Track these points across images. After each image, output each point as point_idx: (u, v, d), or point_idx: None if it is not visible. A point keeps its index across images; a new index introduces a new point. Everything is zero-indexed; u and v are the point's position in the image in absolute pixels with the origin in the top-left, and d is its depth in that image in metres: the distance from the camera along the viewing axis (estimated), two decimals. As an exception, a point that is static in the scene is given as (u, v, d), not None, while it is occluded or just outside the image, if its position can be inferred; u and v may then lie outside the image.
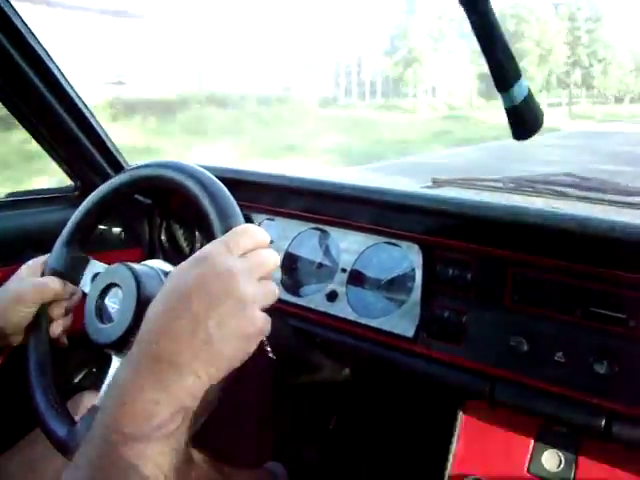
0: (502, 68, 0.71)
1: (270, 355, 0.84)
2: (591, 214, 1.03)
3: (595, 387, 0.98)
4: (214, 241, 0.67)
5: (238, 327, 0.62)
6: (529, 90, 0.72)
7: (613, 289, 0.98)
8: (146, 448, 0.55)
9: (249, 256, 0.66)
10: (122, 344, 0.82)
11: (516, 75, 0.71)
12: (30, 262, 0.98)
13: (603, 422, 0.95)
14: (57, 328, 0.93)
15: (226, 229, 0.71)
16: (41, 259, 0.98)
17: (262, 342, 0.79)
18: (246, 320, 0.63)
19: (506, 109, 0.73)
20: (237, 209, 0.77)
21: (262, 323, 0.64)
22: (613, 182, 1.30)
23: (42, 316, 0.93)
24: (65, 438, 0.81)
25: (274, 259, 0.69)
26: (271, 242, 1.24)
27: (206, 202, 0.79)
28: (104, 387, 0.84)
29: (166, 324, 0.61)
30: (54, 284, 0.93)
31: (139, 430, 0.56)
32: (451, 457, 1.14)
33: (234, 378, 0.68)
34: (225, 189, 0.79)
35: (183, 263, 0.65)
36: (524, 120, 0.74)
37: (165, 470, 0.56)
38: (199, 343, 0.60)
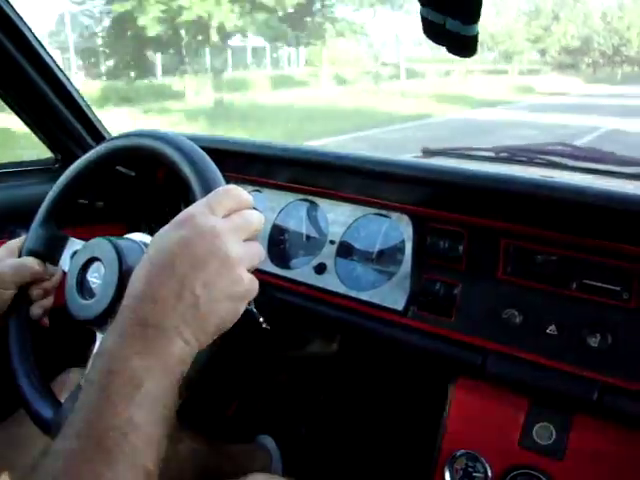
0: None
1: (264, 325, 0.82)
2: (585, 184, 1.01)
3: (588, 360, 0.97)
4: (196, 202, 0.65)
5: (225, 288, 0.60)
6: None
7: (608, 261, 0.96)
8: (135, 416, 0.53)
9: (233, 216, 0.64)
10: (105, 319, 0.80)
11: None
12: (7, 244, 0.96)
13: (596, 395, 0.94)
14: (38, 309, 0.92)
15: (207, 192, 0.69)
16: (18, 240, 0.96)
17: (254, 312, 0.78)
18: (233, 281, 0.61)
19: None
20: (218, 172, 0.75)
21: (249, 284, 0.63)
22: (607, 152, 1.28)
23: (21, 298, 0.91)
24: (51, 420, 0.80)
25: (258, 219, 0.67)
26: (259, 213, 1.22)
27: (186, 168, 0.77)
28: (88, 367, 0.82)
29: (151, 289, 0.59)
30: (32, 264, 0.91)
31: (128, 398, 0.54)
32: (442, 432, 1.13)
33: (223, 343, 0.66)
34: (204, 154, 0.77)
35: (165, 227, 0.63)
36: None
37: (155, 438, 0.55)
38: (186, 306, 0.58)
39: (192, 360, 0.60)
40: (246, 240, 0.64)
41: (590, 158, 1.21)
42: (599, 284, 0.97)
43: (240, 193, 0.66)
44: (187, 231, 0.61)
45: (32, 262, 0.91)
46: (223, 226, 0.62)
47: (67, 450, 0.53)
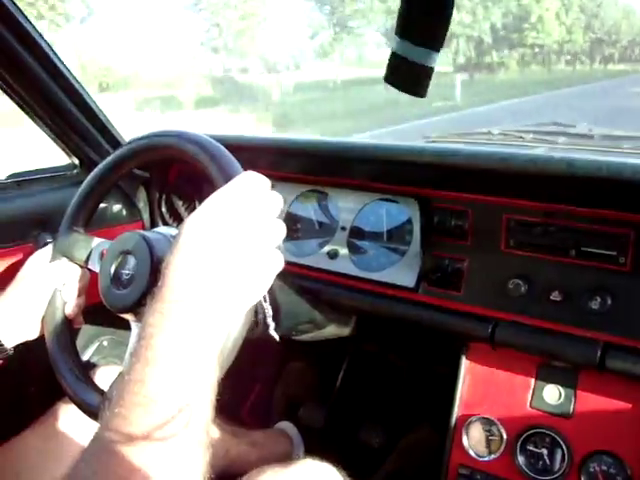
0: (432, 30, 0.71)
1: (272, 332, 0.88)
2: (577, 158, 1.07)
3: (590, 322, 1.03)
4: (218, 190, 0.70)
5: (255, 265, 0.66)
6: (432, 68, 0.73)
7: (603, 228, 1.03)
8: (179, 384, 0.58)
9: (254, 199, 0.69)
10: (140, 308, 0.86)
11: (437, 44, 0.71)
12: (37, 253, 1.02)
13: (599, 353, 1.00)
14: (72, 309, 0.97)
15: (227, 180, 0.73)
16: (47, 248, 1.02)
17: (267, 318, 0.84)
18: (260, 258, 0.66)
19: (397, 55, 0.73)
20: (235, 161, 0.79)
21: (276, 259, 0.68)
22: (598, 129, 1.34)
23: (56, 300, 0.96)
24: (98, 407, 0.84)
25: (278, 199, 0.71)
26: None
27: (205, 160, 0.81)
28: (127, 354, 0.88)
29: (184, 272, 0.63)
30: (62, 267, 0.97)
31: (171, 369, 0.59)
32: (457, 400, 1.19)
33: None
34: (220, 145, 0.82)
35: (191, 216, 0.68)
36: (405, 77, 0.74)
37: (199, 405, 0.59)
38: (219, 285, 0.63)
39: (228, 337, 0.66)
40: (268, 219, 0.69)
41: (582, 135, 1.27)
42: (597, 250, 1.03)
43: (257, 177, 0.71)
44: (214, 218, 0.66)
45: (62, 265, 0.97)
46: (246, 209, 0.67)
47: (116, 418, 0.57)
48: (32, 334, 0.97)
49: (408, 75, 0.74)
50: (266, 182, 0.72)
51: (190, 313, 0.62)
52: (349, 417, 1.69)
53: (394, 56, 0.73)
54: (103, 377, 1.15)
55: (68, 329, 0.96)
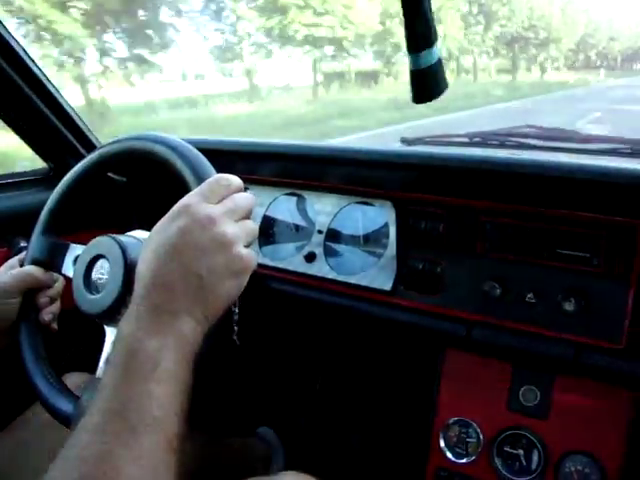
0: (416, 31, 0.73)
1: (235, 338, 0.88)
2: (551, 160, 1.08)
3: (564, 323, 1.04)
4: (190, 193, 0.69)
5: (227, 267, 0.65)
6: (439, 58, 0.75)
7: (576, 229, 1.03)
8: (154, 390, 0.58)
9: (225, 201, 0.69)
10: (114, 312, 0.85)
11: (428, 41, 0.73)
12: (8, 262, 1.00)
13: (572, 354, 1.01)
14: (46, 315, 0.96)
15: (200, 181, 0.74)
16: (18, 257, 1.01)
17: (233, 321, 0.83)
18: (232, 259, 0.66)
19: (411, 71, 0.76)
20: (207, 163, 0.80)
21: (248, 259, 0.68)
22: (572, 131, 1.36)
23: (29, 306, 0.95)
24: (72, 413, 0.84)
25: (250, 200, 0.71)
26: None
27: (178, 162, 0.81)
28: (102, 359, 0.87)
29: (158, 277, 0.63)
30: (34, 273, 0.95)
31: (147, 375, 0.58)
32: (435, 402, 1.19)
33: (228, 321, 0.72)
34: (193, 148, 0.82)
35: (162, 219, 0.67)
36: (425, 85, 0.76)
37: (174, 410, 0.59)
38: (193, 288, 0.63)
39: (203, 336, 0.65)
40: (240, 219, 0.69)
41: (555, 137, 1.28)
42: (570, 252, 1.04)
43: (229, 178, 0.71)
44: (185, 220, 0.65)
45: (34, 270, 0.96)
46: (217, 211, 0.67)
47: (91, 424, 0.57)
48: (4, 340, 0.96)
49: (428, 81, 0.76)
50: (238, 183, 0.71)
51: (162, 318, 0.61)
52: (328, 421, 1.69)
53: (415, 74, 0.75)
54: (78, 383, 1.13)
55: (41, 336, 0.95)
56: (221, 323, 0.70)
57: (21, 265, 0.98)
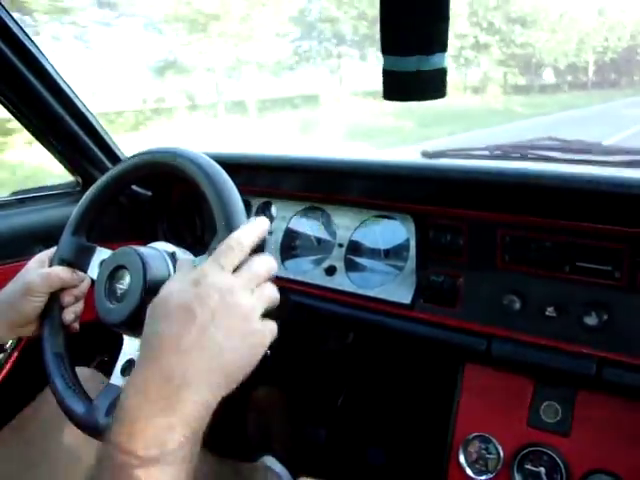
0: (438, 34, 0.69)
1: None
2: (572, 173, 1.07)
3: (585, 338, 1.02)
4: (207, 261, 0.68)
5: (244, 338, 0.64)
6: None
7: (597, 243, 1.02)
8: (161, 473, 0.56)
9: (243, 269, 0.68)
10: (132, 322, 0.87)
11: (444, 46, 0.70)
12: (38, 255, 1.02)
13: (594, 371, 0.99)
14: (69, 315, 0.97)
15: (220, 199, 0.75)
16: (49, 251, 1.02)
17: None
18: (250, 332, 0.65)
19: (420, 71, 0.71)
20: (231, 183, 0.80)
21: (266, 332, 0.67)
22: (594, 143, 1.34)
23: (54, 304, 0.97)
24: (84, 415, 0.85)
25: (267, 264, 0.70)
26: (271, 222, 1.28)
27: (202, 180, 0.83)
28: (117, 366, 0.88)
29: (173, 340, 0.61)
30: (62, 272, 0.97)
31: (152, 455, 0.56)
32: (454, 417, 1.18)
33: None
34: (217, 166, 0.83)
35: (177, 278, 0.67)
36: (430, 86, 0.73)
37: (192, 449, 0.58)
38: (210, 355, 0.61)
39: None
40: (257, 286, 0.67)
41: (577, 149, 1.27)
42: (592, 265, 1.03)
43: (242, 241, 0.69)
44: (202, 289, 0.63)
45: (61, 270, 0.97)
46: (235, 282, 0.65)
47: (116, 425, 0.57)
48: (27, 334, 0.98)
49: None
50: (249, 241, 0.70)
51: (174, 392, 0.59)
52: (348, 437, 1.68)
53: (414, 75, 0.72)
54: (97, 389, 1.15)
55: (64, 334, 0.96)
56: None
57: (50, 265, 0.99)
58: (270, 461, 1.55)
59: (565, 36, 29.76)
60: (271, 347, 0.79)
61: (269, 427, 1.72)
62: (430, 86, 0.73)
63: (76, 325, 1.00)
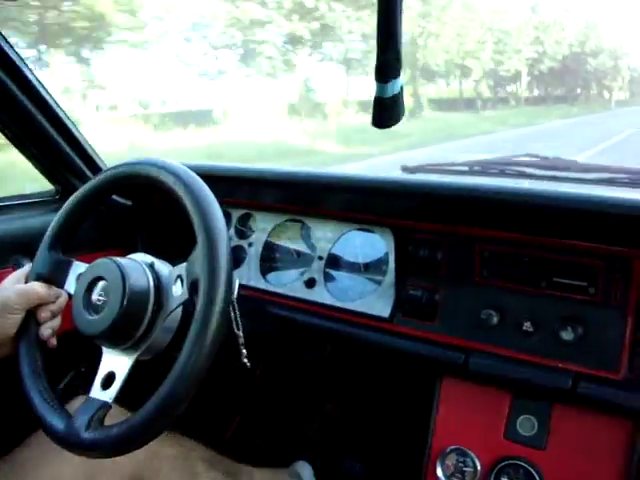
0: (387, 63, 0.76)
1: (245, 360, 0.89)
2: (550, 190, 1.09)
3: (561, 352, 1.04)
4: None
5: None
6: (401, 89, 0.78)
7: (573, 259, 1.04)
8: None
9: None
10: (112, 333, 0.87)
11: (397, 72, 0.76)
12: (14, 273, 1.02)
13: (570, 384, 1.01)
14: (46, 330, 0.97)
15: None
16: (25, 268, 1.02)
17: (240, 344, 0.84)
18: None
19: (375, 98, 0.78)
20: (209, 192, 0.84)
21: None
22: (571, 160, 1.37)
23: (30, 321, 0.97)
24: (63, 431, 0.85)
25: None
26: (251, 234, 1.29)
27: (181, 191, 0.84)
28: (97, 380, 0.88)
29: None
30: (38, 288, 0.97)
31: None
32: (432, 430, 1.19)
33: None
34: (197, 177, 0.84)
35: None
36: (386, 113, 0.79)
37: None
38: None
39: None
40: None
41: (554, 166, 1.29)
42: (568, 281, 1.04)
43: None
44: None
45: (38, 286, 0.97)
46: None
47: None
48: (3, 353, 0.97)
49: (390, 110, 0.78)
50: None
51: None
52: (328, 450, 1.67)
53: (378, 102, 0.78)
54: (76, 403, 1.14)
55: (40, 351, 0.96)
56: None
57: (26, 281, 0.99)
58: (301, 467, 1.53)
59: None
60: (251, 358, 0.81)
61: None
62: (392, 112, 0.77)
63: (53, 341, 0.99)
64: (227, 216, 1.43)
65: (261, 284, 1.37)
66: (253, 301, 1.28)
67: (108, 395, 0.86)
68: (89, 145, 1.53)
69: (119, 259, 0.91)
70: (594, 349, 1.02)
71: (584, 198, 1.03)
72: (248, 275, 1.40)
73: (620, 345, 1.00)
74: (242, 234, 1.44)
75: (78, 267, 0.98)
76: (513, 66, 27.95)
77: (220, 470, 1.28)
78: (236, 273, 1.39)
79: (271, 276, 1.40)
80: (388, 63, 0.75)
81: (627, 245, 0.98)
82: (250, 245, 1.42)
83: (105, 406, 0.85)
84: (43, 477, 1.05)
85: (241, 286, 1.00)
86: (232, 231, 1.44)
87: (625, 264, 0.99)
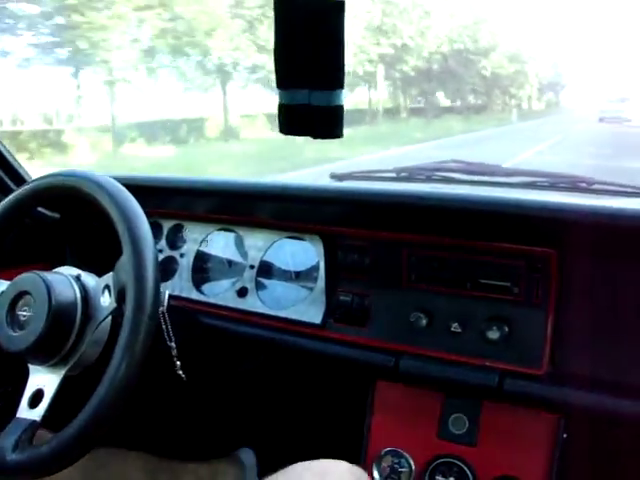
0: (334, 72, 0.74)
1: (180, 372, 0.88)
2: (473, 194, 1.13)
3: (488, 351, 1.07)
4: None
5: None
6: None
7: (497, 260, 1.07)
8: None
9: None
10: (38, 349, 0.84)
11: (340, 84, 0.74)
12: None
13: (496, 382, 1.04)
14: None
15: (126, 222, 0.75)
16: None
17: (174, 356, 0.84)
18: None
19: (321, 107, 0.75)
20: (134, 201, 0.82)
21: None
22: (494, 165, 1.41)
23: None
24: None
25: None
26: (182, 245, 1.28)
27: (106, 201, 0.83)
28: (24, 398, 0.86)
29: None
30: None
31: None
32: (367, 433, 1.20)
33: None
34: (122, 187, 0.83)
35: None
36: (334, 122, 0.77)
37: None
38: None
39: None
40: None
41: (479, 171, 1.34)
42: (492, 282, 1.08)
43: None
44: None
45: None
46: None
47: None
48: None
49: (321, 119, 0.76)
50: None
51: None
52: (265, 454, 1.67)
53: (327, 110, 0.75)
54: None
55: None
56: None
57: None
58: (244, 453, 1.52)
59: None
60: (186, 369, 0.80)
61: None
62: (324, 123, 0.76)
63: None
64: (158, 227, 1.41)
65: (193, 294, 1.36)
66: (185, 312, 1.27)
67: (37, 413, 0.84)
68: (11, 155, 1.48)
69: (44, 273, 0.89)
70: (518, 347, 1.06)
71: (505, 201, 1.07)
72: (180, 286, 1.39)
73: (542, 342, 1.04)
74: (173, 245, 1.43)
75: (0, 285, 0.95)
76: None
77: (165, 475, 1.27)
78: (168, 284, 1.38)
79: (204, 286, 1.39)
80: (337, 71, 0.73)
81: (546, 245, 1.02)
82: (182, 256, 1.40)
83: (33, 425, 0.83)
84: None
85: (173, 297, 1.00)
86: (163, 242, 1.42)
87: (545, 264, 1.03)
